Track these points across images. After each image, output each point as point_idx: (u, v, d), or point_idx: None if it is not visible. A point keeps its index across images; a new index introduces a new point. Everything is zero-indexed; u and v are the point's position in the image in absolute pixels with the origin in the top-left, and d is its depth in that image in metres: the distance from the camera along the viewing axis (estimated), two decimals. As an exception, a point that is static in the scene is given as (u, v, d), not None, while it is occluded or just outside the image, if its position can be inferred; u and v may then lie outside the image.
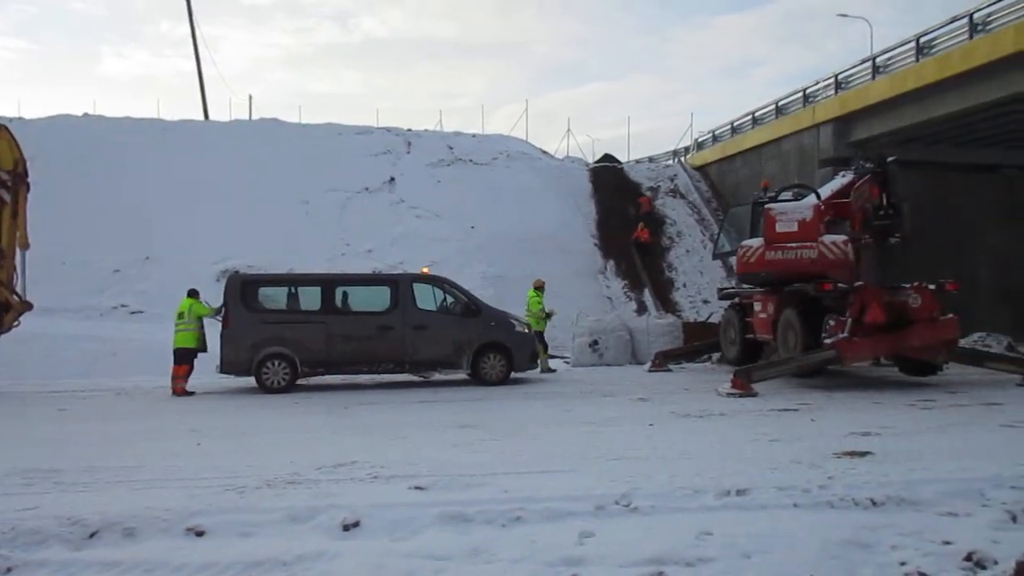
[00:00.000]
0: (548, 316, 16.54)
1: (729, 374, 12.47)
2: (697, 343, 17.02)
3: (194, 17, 35.77)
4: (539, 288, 16.81)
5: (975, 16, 17.69)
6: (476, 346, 13.70)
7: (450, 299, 14.07)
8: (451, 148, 28.64)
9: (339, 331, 13.49)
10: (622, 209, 26.75)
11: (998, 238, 23.03)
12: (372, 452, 7.72)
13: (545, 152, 32.48)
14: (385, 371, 13.98)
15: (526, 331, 14.37)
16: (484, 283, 20.82)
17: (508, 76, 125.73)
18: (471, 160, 28.09)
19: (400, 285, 13.86)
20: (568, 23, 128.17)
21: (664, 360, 15.85)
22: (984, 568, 3.56)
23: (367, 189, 25.88)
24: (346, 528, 5.28)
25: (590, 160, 32.55)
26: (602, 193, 27.73)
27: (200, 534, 5.24)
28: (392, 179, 26.49)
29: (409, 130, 29.85)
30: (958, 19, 18.33)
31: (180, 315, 13.53)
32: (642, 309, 22.16)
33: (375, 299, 13.89)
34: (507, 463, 7.18)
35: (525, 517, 5.53)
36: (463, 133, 30.86)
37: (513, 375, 14.03)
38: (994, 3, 17.27)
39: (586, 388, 13.15)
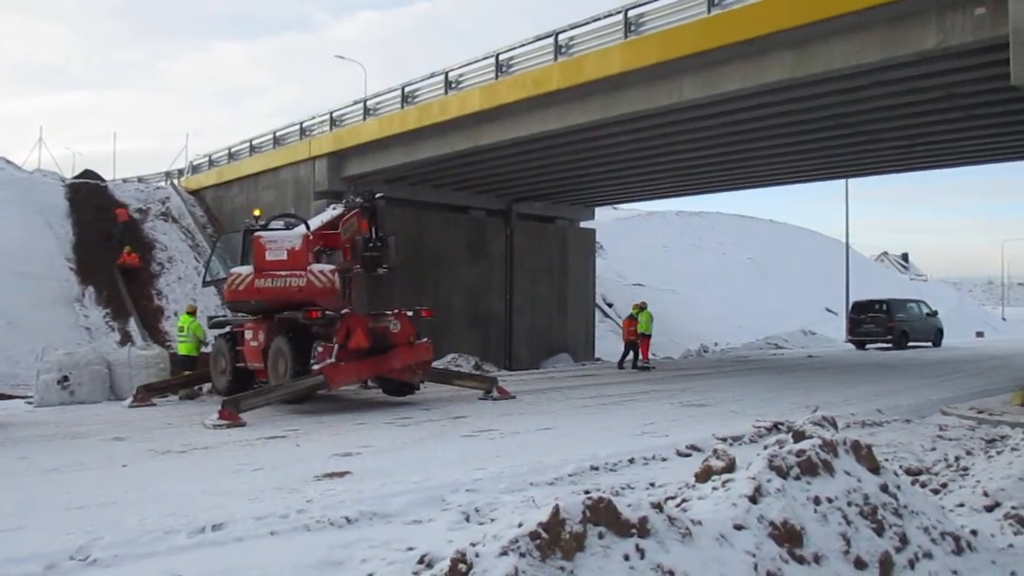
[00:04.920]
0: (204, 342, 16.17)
1: (218, 405, 11.99)
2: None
3: None
4: (191, 313, 16.49)
5: (450, 75, 19.84)
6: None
7: None
8: None
9: None
10: (105, 231, 24.39)
11: (468, 271, 26.11)
12: None
13: (10, 162, 28.28)
14: None
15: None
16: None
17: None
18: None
19: None
20: (48, 23, 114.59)
21: (147, 394, 14.67)
22: (431, 567, 3.79)
23: None
24: None
25: (68, 175, 29.17)
26: (80, 213, 24.95)
27: None
28: None
29: None
30: (436, 75, 20.37)
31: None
32: (127, 340, 20.37)
33: None
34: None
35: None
36: None
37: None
38: (466, 65, 19.58)
39: (50, 431, 11.49)
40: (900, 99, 15.57)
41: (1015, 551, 4.73)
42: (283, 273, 13.16)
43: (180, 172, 32.27)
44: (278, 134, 26.24)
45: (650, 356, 21.65)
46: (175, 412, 13.52)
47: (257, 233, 13.79)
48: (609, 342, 29.96)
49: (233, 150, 28.54)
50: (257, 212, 15.12)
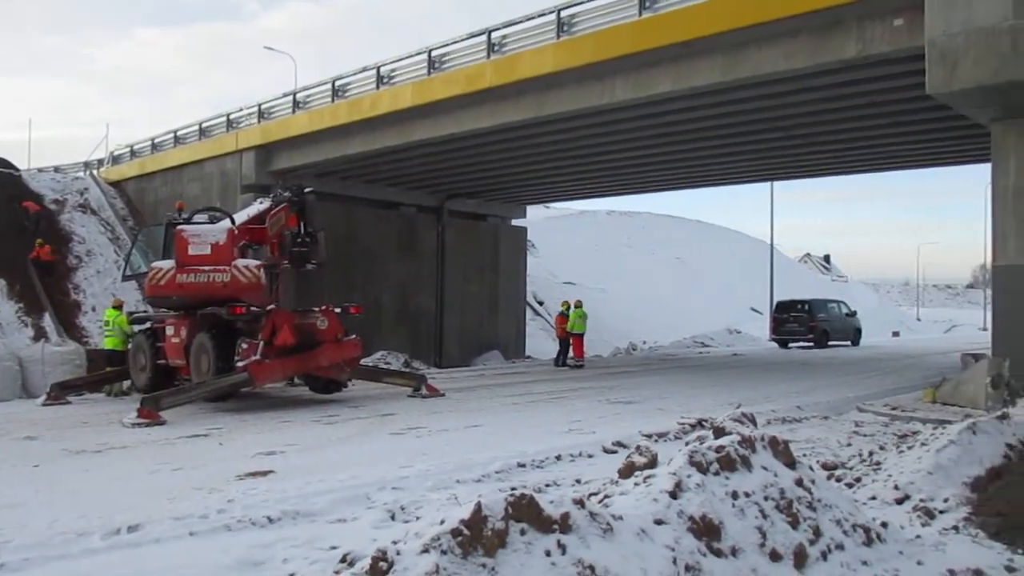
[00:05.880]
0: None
1: (137, 403, 11.64)
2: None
3: None
4: (117, 307, 15.97)
5: (381, 69, 19.66)
6: None
7: None
8: None
9: None
10: (18, 222, 23.40)
11: (399, 268, 25.93)
12: None
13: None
14: None
15: None
16: None
17: None
18: None
19: None
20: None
21: (62, 392, 14.16)
22: (352, 566, 3.76)
23: None
24: None
25: (-22, 163, 27.90)
26: (-8, 203, 23.89)
27: None
28: None
29: None
30: (368, 70, 20.15)
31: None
32: (41, 335, 19.61)
33: None
34: None
35: None
36: None
37: None
38: (399, 60, 19.43)
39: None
40: (826, 105, 16.03)
41: (922, 542, 4.91)
42: (206, 268, 12.86)
43: (100, 163, 31.20)
44: (204, 125, 25.60)
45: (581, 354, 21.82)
46: (91, 410, 13.08)
47: (180, 227, 13.43)
48: (540, 340, 30.16)
49: (156, 141, 27.76)
50: (180, 205, 14.73)
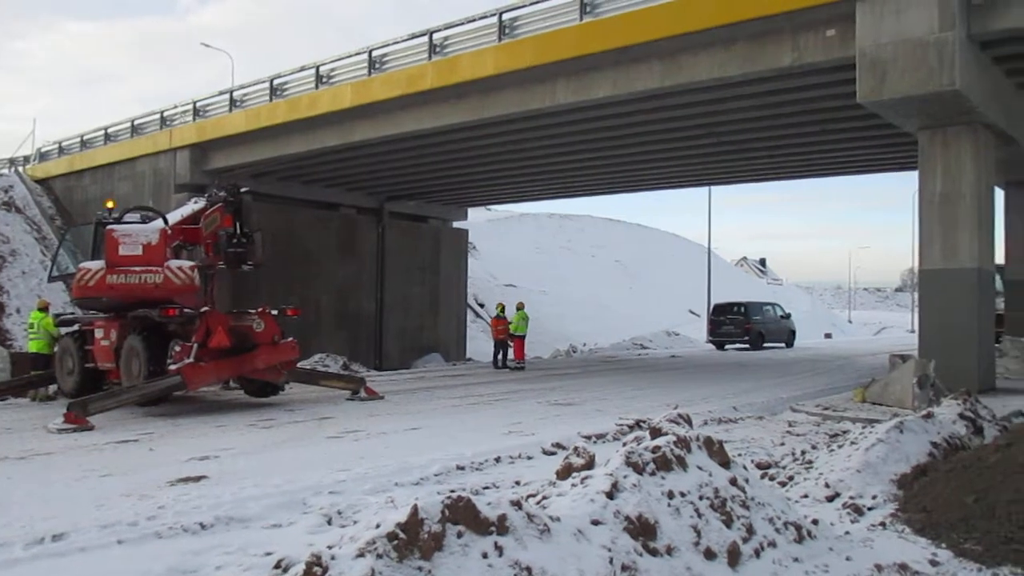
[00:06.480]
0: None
1: (64, 408, 11.25)
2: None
3: None
4: (43, 309, 15.21)
5: (321, 69, 19.45)
6: None
7: None
8: None
9: None
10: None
11: (339, 270, 25.65)
12: None
13: None
14: None
15: None
16: None
17: None
18: None
19: None
20: None
21: (-17, 397, 13.64)
22: (287, 572, 3.69)
23: None
24: None
25: None
26: (-90, 200, 22.98)
27: None
28: None
29: None
30: (307, 69, 19.92)
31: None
32: (-39, 338, 18.90)
33: None
34: None
35: None
36: None
37: None
38: (339, 60, 19.24)
39: None
40: (762, 112, 16.39)
41: (851, 538, 5.04)
42: (138, 269, 12.52)
43: (26, 159, 30.22)
44: (137, 123, 25.00)
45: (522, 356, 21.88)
46: (15, 416, 12.61)
47: (110, 226, 13.05)
48: (480, 342, 30.14)
49: (86, 138, 27.01)
50: (110, 204, 14.31)
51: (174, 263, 12.78)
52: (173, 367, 12.05)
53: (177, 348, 12.27)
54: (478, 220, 37.37)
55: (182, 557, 5.12)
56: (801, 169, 23.70)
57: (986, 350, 13.45)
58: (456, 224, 30.64)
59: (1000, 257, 17.00)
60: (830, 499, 5.88)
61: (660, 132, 18.23)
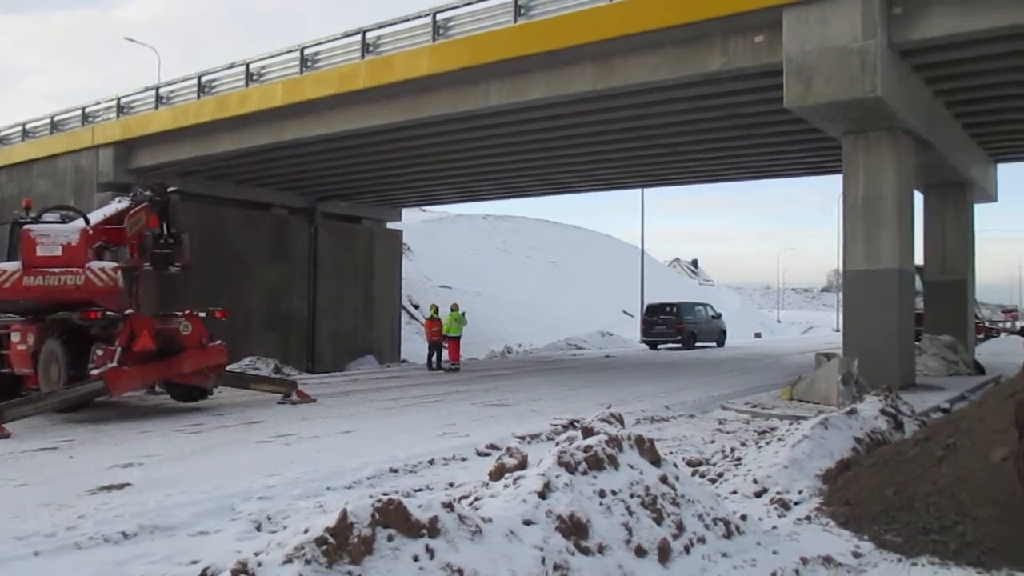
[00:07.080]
0: None
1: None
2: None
3: None
4: None
5: (251, 66, 19.07)
6: None
7: None
8: None
9: None
10: None
11: (270, 271, 25.20)
12: None
13: None
14: None
15: None
16: None
17: None
18: None
19: None
20: None
21: None
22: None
23: None
24: None
25: None
26: None
27: None
28: None
29: None
30: (236, 66, 19.50)
31: None
32: None
33: None
34: None
35: None
36: None
37: None
38: (270, 57, 18.90)
39: None
40: (691, 116, 16.65)
41: (778, 532, 5.15)
42: (57, 270, 12.07)
43: (-62, 156, 28.87)
44: (56, 119, 24.17)
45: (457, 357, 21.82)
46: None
47: (27, 226, 12.56)
48: (415, 344, 29.96)
49: (2, 134, 26.00)
50: (28, 203, 13.78)
51: (96, 264, 12.37)
52: (95, 372, 11.65)
53: (99, 352, 11.88)
54: (412, 221, 37.16)
55: (103, 568, 4.98)
56: (731, 172, 24.18)
57: (907, 348, 13.92)
58: (390, 225, 30.40)
59: (920, 258, 17.61)
60: (758, 495, 6.00)
61: (592, 135, 18.38)
